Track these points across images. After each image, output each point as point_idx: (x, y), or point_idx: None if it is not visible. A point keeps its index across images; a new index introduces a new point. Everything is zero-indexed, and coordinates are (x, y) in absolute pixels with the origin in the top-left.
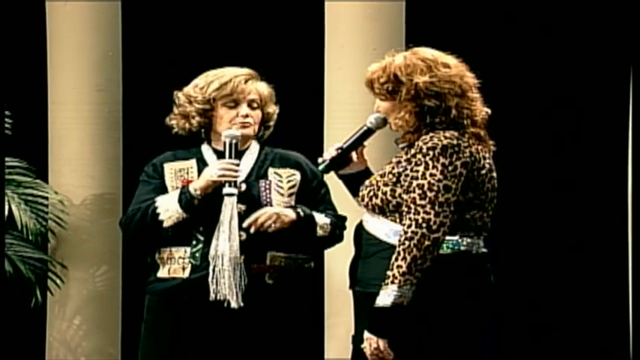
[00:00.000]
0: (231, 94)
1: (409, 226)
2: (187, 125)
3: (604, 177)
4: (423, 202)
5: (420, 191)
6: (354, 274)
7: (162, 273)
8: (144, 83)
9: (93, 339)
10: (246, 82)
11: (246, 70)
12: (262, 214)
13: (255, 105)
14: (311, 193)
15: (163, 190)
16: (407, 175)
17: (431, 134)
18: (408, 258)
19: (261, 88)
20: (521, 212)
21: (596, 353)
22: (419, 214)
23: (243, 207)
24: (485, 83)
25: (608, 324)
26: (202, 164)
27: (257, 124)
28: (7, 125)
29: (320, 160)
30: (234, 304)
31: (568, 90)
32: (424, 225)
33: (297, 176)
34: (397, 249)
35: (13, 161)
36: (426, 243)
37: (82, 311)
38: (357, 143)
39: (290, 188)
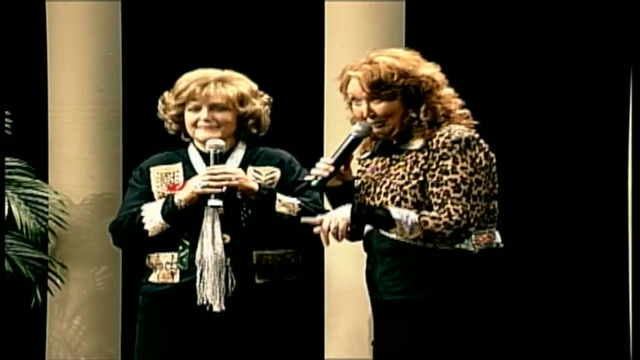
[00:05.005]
0: (191, 99)
1: (451, 215)
2: (170, 130)
3: (604, 177)
4: (458, 195)
5: (454, 184)
6: (374, 281)
7: (153, 278)
8: (144, 83)
9: (93, 339)
10: (205, 86)
11: (216, 73)
12: (231, 170)
13: (219, 107)
14: (289, 186)
15: (149, 195)
16: (433, 170)
17: (447, 128)
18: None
19: (228, 90)
20: (520, 212)
21: (596, 353)
22: (458, 205)
23: (222, 209)
24: (484, 83)
25: (608, 324)
26: (188, 167)
27: (229, 125)
28: (7, 125)
29: (310, 177)
30: (216, 308)
31: (568, 90)
32: (465, 216)
33: (276, 174)
34: (433, 231)
35: (13, 161)
36: (461, 235)
37: (82, 311)
38: (347, 154)
39: (269, 185)
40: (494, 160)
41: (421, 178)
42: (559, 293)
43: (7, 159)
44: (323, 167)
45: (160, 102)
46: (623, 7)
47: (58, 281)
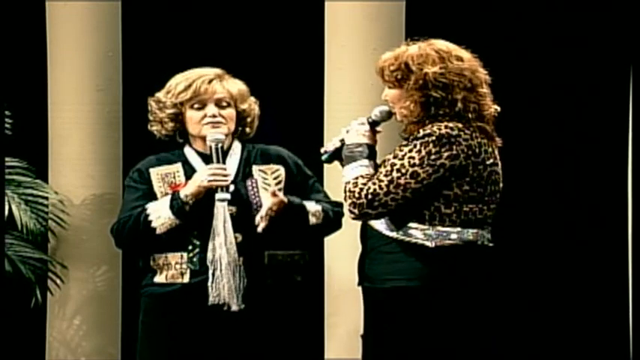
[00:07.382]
0: (196, 95)
1: (360, 191)
2: (164, 131)
3: (604, 177)
4: (383, 178)
5: (389, 168)
6: (362, 269)
7: (159, 279)
8: (144, 83)
9: (93, 339)
10: (210, 82)
11: (213, 70)
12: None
13: (224, 104)
14: (299, 185)
15: (152, 196)
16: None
17: (434, 123)
18: (344, 206)
19: (230, 87)
20: (521, 212)
21: (596, 353)
22: (375, 184)
23: (234, 208)
24: None
25: (608, 324)
26: (188, 167)
27: (232, 122)
28: (7, 125)
29: (322, 150)
30: (234, 307)
31: (568, 90)
32: (369, 197)
33: (281, 171)
34: (344, 194)
35: (13, 161)
36: (355, 213)
37: (82, 311)
38: None
39: (277, 184)
40: (481, 166)
41: None
42: (559, 293)
43: (7, 159)
44: (332, 142)
45: (152, 103)
46: (623, 7)
47: (58, 281)
